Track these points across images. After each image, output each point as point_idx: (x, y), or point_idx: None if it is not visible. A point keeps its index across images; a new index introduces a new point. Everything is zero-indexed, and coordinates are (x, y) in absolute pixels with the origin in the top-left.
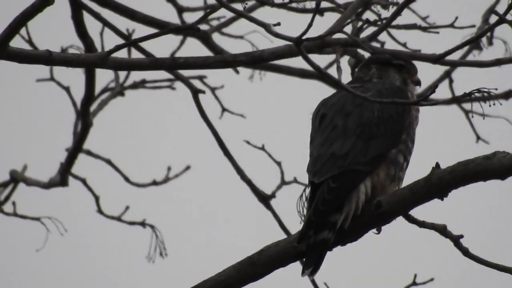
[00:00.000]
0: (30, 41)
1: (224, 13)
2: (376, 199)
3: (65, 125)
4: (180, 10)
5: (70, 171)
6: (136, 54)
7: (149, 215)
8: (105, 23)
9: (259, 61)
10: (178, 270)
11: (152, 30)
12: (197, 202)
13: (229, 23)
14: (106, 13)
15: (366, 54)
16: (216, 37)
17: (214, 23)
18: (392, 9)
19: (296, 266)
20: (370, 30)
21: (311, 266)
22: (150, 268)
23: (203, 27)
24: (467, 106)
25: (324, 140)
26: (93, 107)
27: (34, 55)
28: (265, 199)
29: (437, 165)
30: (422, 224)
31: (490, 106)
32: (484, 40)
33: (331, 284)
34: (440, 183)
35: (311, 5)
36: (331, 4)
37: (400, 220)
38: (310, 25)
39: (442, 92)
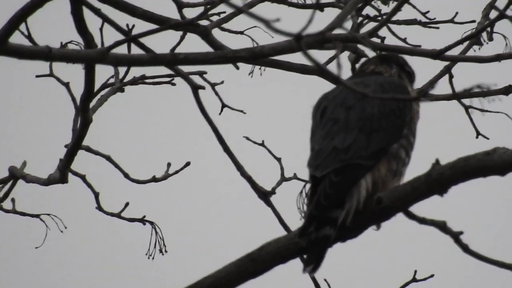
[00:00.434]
0: (29, 37)
1: (224, 9)
2: (377, 195)
3: (64, 121)
4: (180, 5)
5: (70, 168)
6: (136, 50)
7: (149, 211)
8: (105, 19)
9: (259, 56)
10: (178, 267)
11: (152, 26)
12: (197, 198)
13: (229, 18)
14: (106, 9)
15: (366, 50)
16: (216, 33)
17: (214, 18)
18: (392, 4)
19: (296, 263)
20: (370, 25)
21: (313, 263)
22: (150, 265)
23: (203, 22)
24: (467, 101)
25: (326, 134)
26: (92, 103)
27: (33, 51)
28: (265, 195)
29: (437, 161)
30: (422, 221)
31: (489, 101)
32: (484, 35)
33: (331, 281)
34: (441, 179)
35: (311, 0)
36: (331, 0)
37: (399, 216)
38: (310, 20)
39: (442, 87)
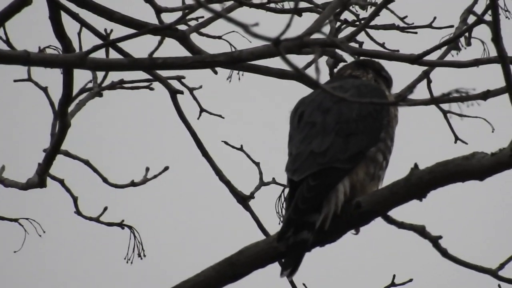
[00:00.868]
0: (7, 42)
1: (202, 14)
2: (356, 200)
3: (43, 126)
4: (158, 10)
5: (48, 172)
6: (114, 55)
7: (127, 216)
8: (83, 24)
9: (238, 61)
10: (157, 271)
11: (130, 31)
12: (176, 203)
13: (207, 23)
14: (84, 13)
15: (345, 55)
16: (194, 37)
17: (193, 23)
18: (370, 10)
19: (275, 267)
20: (348, 30)
21: (290, 267)
22: (128, 269)
23: (181, 27)
24: (445, 106)
25: (303, 137)
26: (71, 108)
27: (12, 55)
28: (244, 199)
29: (416, 165)
30: (401, 225)
31: (468, 106)
32: (462, 40)
33: (310, 285)
34: (420, 183)
35: (289, 5)
36: (309, 4)
37: (378, 220)
38: (288, 25)
39: (420, 92)
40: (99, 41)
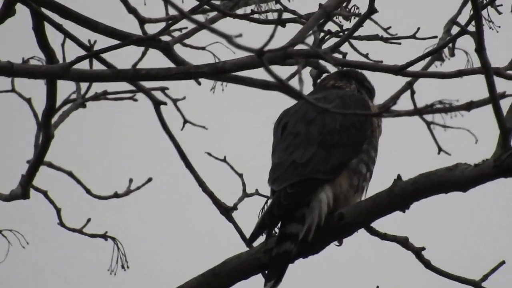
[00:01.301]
0: None
1: (186, 24)
2: (338, 211)
3: (26, 137)
4: (142, 21)
5: (32, 183)
6: (98, 66)
7: (110, 227)
8: (67, 34)
9: (221, 72)
10: (140, 283)
11: (114, 41)
12: (159, 214)
13: (191, 34)
14: (68, 24)
15: (328, 65)
16: (178, 48)
17: (176, 34)
18: (354, 20)
19: (258, 278)
20: (332, 41)
21: (274, 278)
22: (112, 281)
23: (165, 38)
24: (429, 117)
25: (286, 147)
26: (54, 119)
27: None
28: (227, 211)
29: (399, 176)
30: (384, 236)
31: (452, 117)
32: (446, 51)
33: None
34: (403, 194)
35: (273, 16)
36: (293, 15)
37: (362, 232)
38: (272, 36)
39: (404, 103)
40: (82, 52)
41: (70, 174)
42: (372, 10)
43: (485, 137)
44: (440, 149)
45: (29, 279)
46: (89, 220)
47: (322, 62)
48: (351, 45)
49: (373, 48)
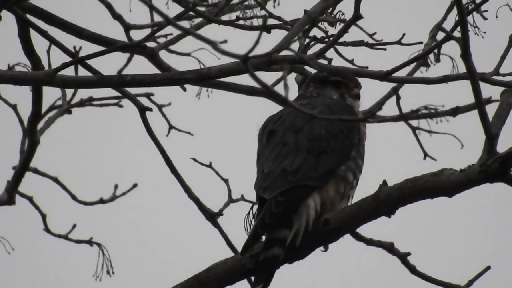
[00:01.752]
0: None
1: (171, 31)
2: (324, 216)
3: (12, 143)
4: (127, 27)
5: (17, 189)
6: (83, 72)
7: (96, 233)
8: (52, 41)
9: (206, 78)
10: None
11: (99, 48)
12: (145, 220)
13: (176, 40)
14: (53, 31)
15: (314, 71)
16: (163, 55)
17: (161, 40)
18: (339, 26)
19: (244, 284)
20: (317, 47)
21: (261, 283)
22: (97, 286)
23: (150, 44)
24: (414, 123)
25: (276, 156)
26: (40, 125)
27: None
28: (212, 216)
29: (384, 182)
30: (369, 242)
31: (437, 123)
32: (431, 56)
33: None
34: (388, 200)
35: (258, 22)
36: (278, 21)
37: (347, 237)
38: (257, 42)
39: (390, 108)
40: (68, 59)
41: (55, 180)
42: (357, 16)
43: (471, 142)
44: (425, 154)
45: (14, 285)
46: (74, 226)
47: (307, 68)
48: (337, 51)
49: (359, 54)
